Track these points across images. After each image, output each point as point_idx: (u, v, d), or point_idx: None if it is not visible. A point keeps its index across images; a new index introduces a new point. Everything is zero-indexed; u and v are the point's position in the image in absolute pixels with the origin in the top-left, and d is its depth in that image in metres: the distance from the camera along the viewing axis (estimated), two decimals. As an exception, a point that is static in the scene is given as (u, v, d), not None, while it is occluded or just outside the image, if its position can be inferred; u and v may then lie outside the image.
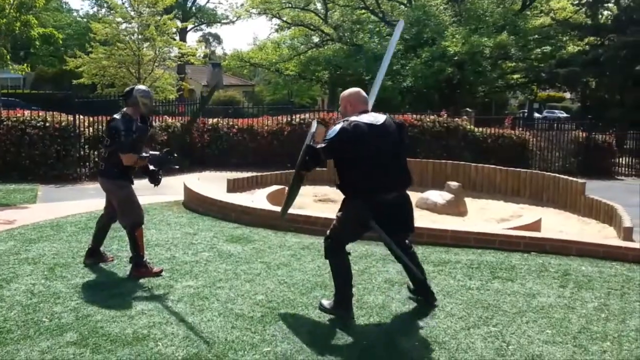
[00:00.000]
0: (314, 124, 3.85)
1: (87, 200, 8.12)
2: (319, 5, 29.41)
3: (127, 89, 4.60)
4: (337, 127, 3.58)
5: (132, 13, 20.33)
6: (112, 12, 21.86)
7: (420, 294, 3.93)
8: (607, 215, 8.00)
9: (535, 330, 3.53)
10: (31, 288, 4.07)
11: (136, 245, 4.40)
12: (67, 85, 23.52)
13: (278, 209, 6.62)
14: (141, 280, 4.28)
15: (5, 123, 10.31)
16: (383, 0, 26.78)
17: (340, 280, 3.64)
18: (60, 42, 21.92)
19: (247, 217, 6.25)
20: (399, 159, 3.70)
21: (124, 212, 4.45)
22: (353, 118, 3.60)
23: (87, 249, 4.72)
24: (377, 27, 27.20)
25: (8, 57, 9.08)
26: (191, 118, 13.70)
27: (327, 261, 3.76)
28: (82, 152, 11.05)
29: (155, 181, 4.56)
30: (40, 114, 10.88)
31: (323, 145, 3.54)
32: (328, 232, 3.73)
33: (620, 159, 15.85)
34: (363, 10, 27.21)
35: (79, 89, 22.02)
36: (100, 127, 11.21)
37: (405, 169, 3.74)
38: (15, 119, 10.47)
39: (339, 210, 3.75)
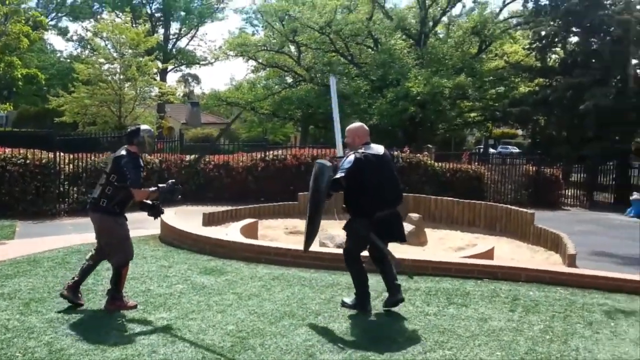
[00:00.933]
0: (327, 162, 4.40)
1: (65, 235, 7.91)
2: (292, 48, 29.91)
3: (133, 128, 4.48)
4: (351, 157, 4.21)
5: (115, 54, 20.35)
6: (95, 53, 21.78)
7: (391, 292, 4.31)
8: (553, 243, 8.12)
9: (487, 353, 3.60)
10: (5, 323, 3.93)
11: (120, 281, 4.30)
12: (49, 123, 23.19)
13: (251, 241, 6.64)
14: (115, 314, 4.19)
15: None
16: (351, 44, 27.39)
17: (358, 282, 4.35)
18: (43, 82, 21.67)
19: (221, 249, 6.19)
20: (394, 182, 4.39)
21: (119, 249, 4.30)
22: (362, 150, 4.25)
23: (70, 281, 4.45)
24: (346, 68, 27.69)
25: None
26: (198, 156, 13.71)
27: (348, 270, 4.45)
28: (61, 189, 10.80)
29: (157, 214, 4.47)
30: (21, 151, 10.64)
31: (342, 174, 4.13)
32: (344, 248, 4.53)
33: (567, 191, 16.10)
34: (333, 53, 27.74)
35: (60, 127, 21.68)
36: (80, 163, 11.04)
37: (398, 190, 4.48)
38: None
39: (345, 229, 4.42)
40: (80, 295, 4.48)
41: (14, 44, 9.48)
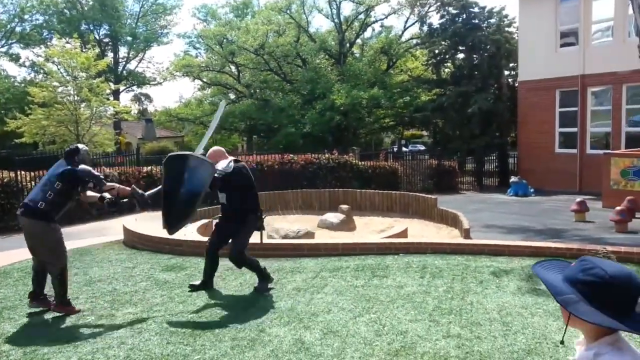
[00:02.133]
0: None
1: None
2: (232, 68, 29.36)
3: (72, 146, 4.11)
4: (230, 165, 4.35)
5: (68, 77, 19.03)
6: (48, 77, 20.23)
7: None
8: (453, 220, 8.38)
9: (403, 313, 3.74)
10: None
11: (64, 285, 3.96)
12: (9, 144, 21.32)
13: (206, 239, 6.50)
14: (85, 313, 4.00)
15: None
16: (283, 64, 27.32)
17: (258, 266, 4.45)
18: (-1, 107, 19.82)
19: (180, 248, 6.01)
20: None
21: (57, 254, 3.92)
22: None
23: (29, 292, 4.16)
24: (281, 85, 27.58)
25: None
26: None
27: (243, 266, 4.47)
28: None
29: (117, 208, 4.26)
30: None
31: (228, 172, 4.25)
32: (237, 249, 4.39)
33: (462, 178, 16.65)
34: (268, 72, 27.56)
35: (21, 147, 20.02)
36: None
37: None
38: None
39: (242, 228, 4.40)
40: (47, 299, 4.15)
41: None
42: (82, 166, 4.02)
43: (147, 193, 4.31)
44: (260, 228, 4.60)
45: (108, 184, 4.21)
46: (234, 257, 4.37)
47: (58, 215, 4.00)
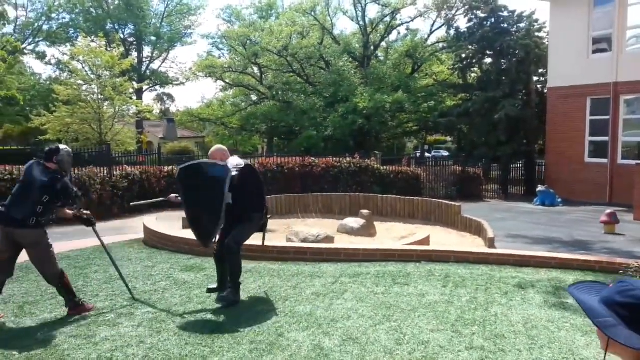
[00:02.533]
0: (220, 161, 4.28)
1: (54, 243, 7.47)
2: (255, 70, 29.74)
3: (53, 147, 4.03)
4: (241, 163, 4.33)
5: (92, 76, 19.57)
6: (73, 75, 20.84)
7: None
8: (477, 229, 8.29)
9: (425, 322, 3.69)
10: (1, 326, 3.77)
11: (70, 290, 4.02)
12: (33, 141, 22.05)
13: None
14: (105, 311, 4.07)
15: None
16: (306, 66, 27.51)
17: (239, 274, 4.24)
18: (22, 103, 20.46)
19: (199, 249, 5.97)
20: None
21: (51, 261, 3.95)
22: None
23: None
24: (303, 87, 27.77)
25: None
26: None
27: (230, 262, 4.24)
28: None
29: (88, 223, 4.26)
30: (7, 167, 10.10)
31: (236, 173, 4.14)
32: (235, 240, 4.22)
33: (487, 186, 16.37)
34: (291, 74, 27.78)
35: (45, 144, 20.68)
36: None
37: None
38: None
39: (244, 223, 4.28)
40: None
41: None
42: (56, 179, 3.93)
43: (132, 203, 4.39)
44: (264, 228, 4.56)
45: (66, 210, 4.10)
46: (230, 245, 4.17)
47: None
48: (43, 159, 4.02)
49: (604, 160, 14.51)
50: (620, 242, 8.27)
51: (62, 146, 4.13)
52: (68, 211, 4.09)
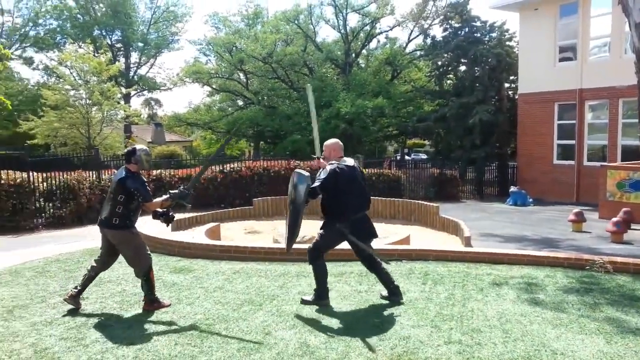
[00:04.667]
0: (304, 172, 4.16)
1: (44, 247, 7.39)
2: (241, 75, 29.57)
3: (129, 148, 4.16)
4: (329, 169, 4.07)
5: (80, 81, 19.18)
6: (60, 80, 20.37)
7: (390, 294, 4.16)
8: (454, 228, 8.34)
9: (405, 318, 3.73)
10: None
11: (151, 285, 4.05)
12: (21, 145, 21.46)
13: (214, 242, 6.53)
14: (95, 313, 4.00)
15: None
16: (290, 72, 27.47)
17: (320, 276, 4.09)
18: (10, 108, 19.89)
19: (188, 250, 6.04)
20: (363, 189, 4.20)
21: (139, 257, 4.03)
22: (336, 163, 4.11)
23: (73, 291, 4.13)
24: (287, 92, 27.70)
25: None
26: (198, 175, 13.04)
27: (310, 265, 4.15)
28: (37, 205, 10.00)
29: (168, 221, 4.13)
30: None
31: (318, 184, 4.01)
32: (312, 244, 4.17)
33: (463, 187, 16.52)
34: (276, 80, 27.72)
35: (33, 149, 20.14)
36: (53, 181, 10.25)
37: (367, 196, 4.26)
38: None
39: (321, 229, 4.18)
40: (80, 301, 4.19)
41: None
42: (127, 177, 4.02)
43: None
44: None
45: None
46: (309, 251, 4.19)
47: (131, 222, 4.12)
48: (124, 161, 4.16)
49: (571, 162, 14.92)
50: (587, 240, 8.48)
51: (139, 146, 4.21)
52: (153, 203, 4.01)
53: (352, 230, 4.06)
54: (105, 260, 4.19)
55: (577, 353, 3.18)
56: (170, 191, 4.18)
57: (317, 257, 4.14)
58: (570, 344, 3.31)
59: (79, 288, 4.17)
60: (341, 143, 4.38)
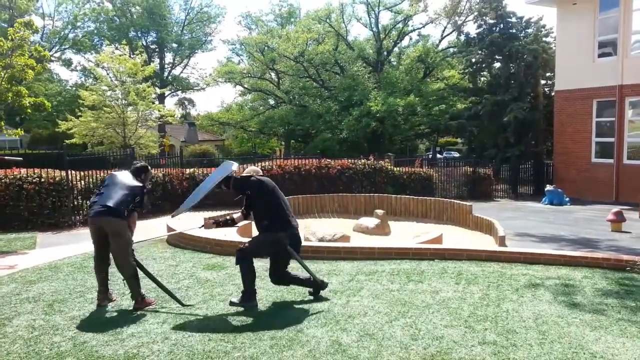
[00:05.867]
0: (234, 165, 4.25)
1: (81, 243, 7.52)
2: (272, 75, 29.90)
3: (139, 165, 4.43)
4: (250, 176, 4.16)
5: (116, 82, 19.84)
6: (97, 81, 21.17)
7: (313, 290, 4.27)
8: (487, 228, 8.23)
9: (438, 318, 3.68)
10: (32, 323, 3.77)
11: (138, 283, 4.13)
12: (60, 145, 22.46)
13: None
14: (130, 309, 4.07)
15: (3, 181, 9.38)
16: (322, 71, 27.55)
17: (248, 279, 4.03)
18: (50, 109, 20.79)
19: (220, 248, 6.12)
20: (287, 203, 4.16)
21: (128, 252, 4.09)
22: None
23: (99, 296, 4.23)
24: (319, 91, 27.80)
25: (2, 123, 8.36)
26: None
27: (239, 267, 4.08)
28: (75, 202, 10.23)
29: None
30: (36, 171, 10.02)
31: (232, 178, 4.10)
32: (243, 247, 4.10)
33: (497, 186, 16.22)
34: (307, 79, 27.84)
35: (71, 148, 20.98)
36: (90, 179, 10.55)
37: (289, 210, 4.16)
38: (12, 176, 9.59)
39: (259, 237, 4.17)
40: (109, 295, 4.30)
41: (20, 76, 9.02)
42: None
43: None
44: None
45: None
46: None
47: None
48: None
49: (610, 161, 14.34)
50: (627, 240, 8.15)
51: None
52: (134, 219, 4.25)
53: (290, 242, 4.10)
54: (103, 255, 4.18)
55: (618, 357, 3.06)
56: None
57: (247, 260, 4.06)
58: (610, 347, 3.19)
59: (101, 289, 4.20)
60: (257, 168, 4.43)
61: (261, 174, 4.28)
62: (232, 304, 4.02)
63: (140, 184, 4.29)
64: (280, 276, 4.21)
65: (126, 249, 4.06)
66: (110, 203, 4.05)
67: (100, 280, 4.22)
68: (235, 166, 4.22)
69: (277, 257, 4.14)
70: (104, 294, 4.23)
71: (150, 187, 4.75)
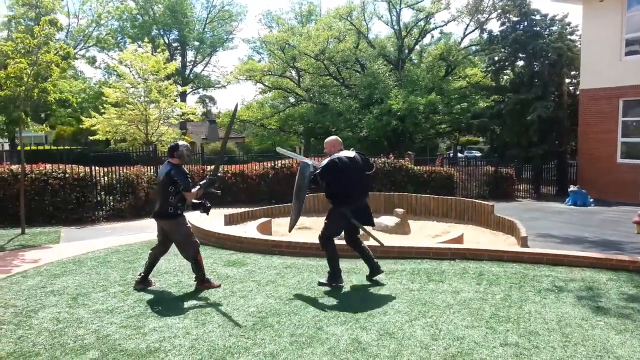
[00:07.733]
0: (309, 161, 4.65)
1: (104, 238, 7.79)
2: (293, 73, 29.96)
3: (172, 144, 4.58)
4: (326, 160, 4.48)
5: (139, 79, 20.19)
6: (121, 78, 21.59)
7: (370, 272, 4.62)
8: (509, 228, 8.09)
9: (459, 318, 3.65)
10: (57, 316, 3.86)
11: (200, 267, 4.51)
12: (84, 141, 22.99)
13: (266, 237, 6.67)
14: (153, 302, 4.15)
15: (29, 176, 9.64)
16: (342, 69, 27.48)
17: (332, 260, 4.52)
18: (75, 105, 21.12)
19: (240, 245, 6.19)
20: (362, 178, 4.53)
21: (188, 244, 4.47)
22: (335, 155, 4.47)
23: (138, 277, 4.67)
24: (339, 89, 27.68)
25: (28, 120, 8.63)
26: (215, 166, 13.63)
27: (324, 250, 4.58)
28: (98, 198, 10.49)
29: (207, 210, 4.58)
30: (61, 166, 10.31)
31: (318, 171, 4.45)
32: (321, 232, 4.59)
33: (519, 186, 15.97)
34: (327, 77, 27.82)
35: (94, 144, 21.46)
36: (114, 175, 10.75)
37: (366, 186, 4.64)
38: (38, 172, 9.88)
39: (327, 217, 4.59)
40: (150, 281, 4.66)
41: (45, 73, 9.28)
42: (171, 168, 4.43)
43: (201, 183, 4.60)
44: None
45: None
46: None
47: (180, 210, 4.52)
48: (167, 156, 4.55)
49: (636, 161, 13.99)
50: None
51: (183, 142, 4.59)
52: (191, 193, 4.44)
53: (353, 215, 4.44)
54: (163, 246, 4.65)
55: (648, 364, 2.98)
56: (200, 182, 4.58)
57: (329, 241, 4.55)
58: (636, 351, 3.11)
59: (142, 274, 4.60)
60: (339, 139, 4.74)
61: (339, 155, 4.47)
62: (320, 284, 4.52)
63: (169, 169, 4.34)
64: (351, 240, 4.68)
65: (184, 241, 4.45)
66: (157, 207, 4.50)
67: (146, 263, 4.64)
68: (310, 163, 4.56)
69: (347, 227, 4.60)
70: (141, 279, 4.60)
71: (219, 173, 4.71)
